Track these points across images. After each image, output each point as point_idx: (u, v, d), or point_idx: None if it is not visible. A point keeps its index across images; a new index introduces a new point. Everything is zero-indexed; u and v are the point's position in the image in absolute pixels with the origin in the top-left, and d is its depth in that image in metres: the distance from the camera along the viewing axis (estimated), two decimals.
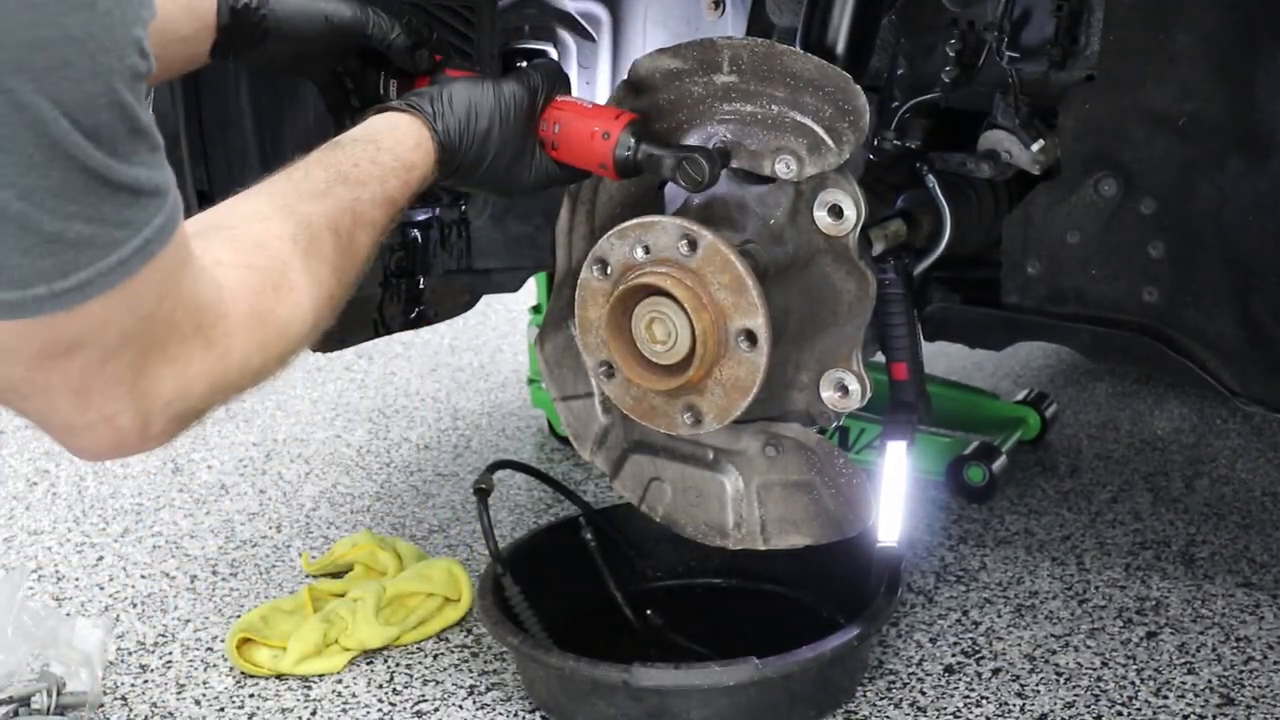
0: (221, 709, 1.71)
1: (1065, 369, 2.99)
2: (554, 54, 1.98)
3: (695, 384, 1.34)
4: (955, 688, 1.70)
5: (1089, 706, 1.65)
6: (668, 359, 1.34)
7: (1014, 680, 1.71)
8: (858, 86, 1.28)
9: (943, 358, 2.85)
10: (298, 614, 1.87)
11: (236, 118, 1.69)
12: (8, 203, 0.75)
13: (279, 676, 1.78)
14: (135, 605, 1.99)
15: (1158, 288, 1.51)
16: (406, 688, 1.75)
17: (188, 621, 1.94)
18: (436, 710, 1.69)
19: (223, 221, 1.04)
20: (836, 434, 2.32)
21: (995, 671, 1.74)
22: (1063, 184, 1.54)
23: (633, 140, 1.31)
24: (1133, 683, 1.70)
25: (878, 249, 1.48)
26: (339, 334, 1.86)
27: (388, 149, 1.20)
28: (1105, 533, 2.14)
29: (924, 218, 1.58)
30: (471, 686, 1.75)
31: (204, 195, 1.67)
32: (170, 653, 1.85)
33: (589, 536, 1.88)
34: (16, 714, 1.63)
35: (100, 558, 2.16)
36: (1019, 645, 1.80)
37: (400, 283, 1.90)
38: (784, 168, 1.32)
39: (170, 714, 1.70)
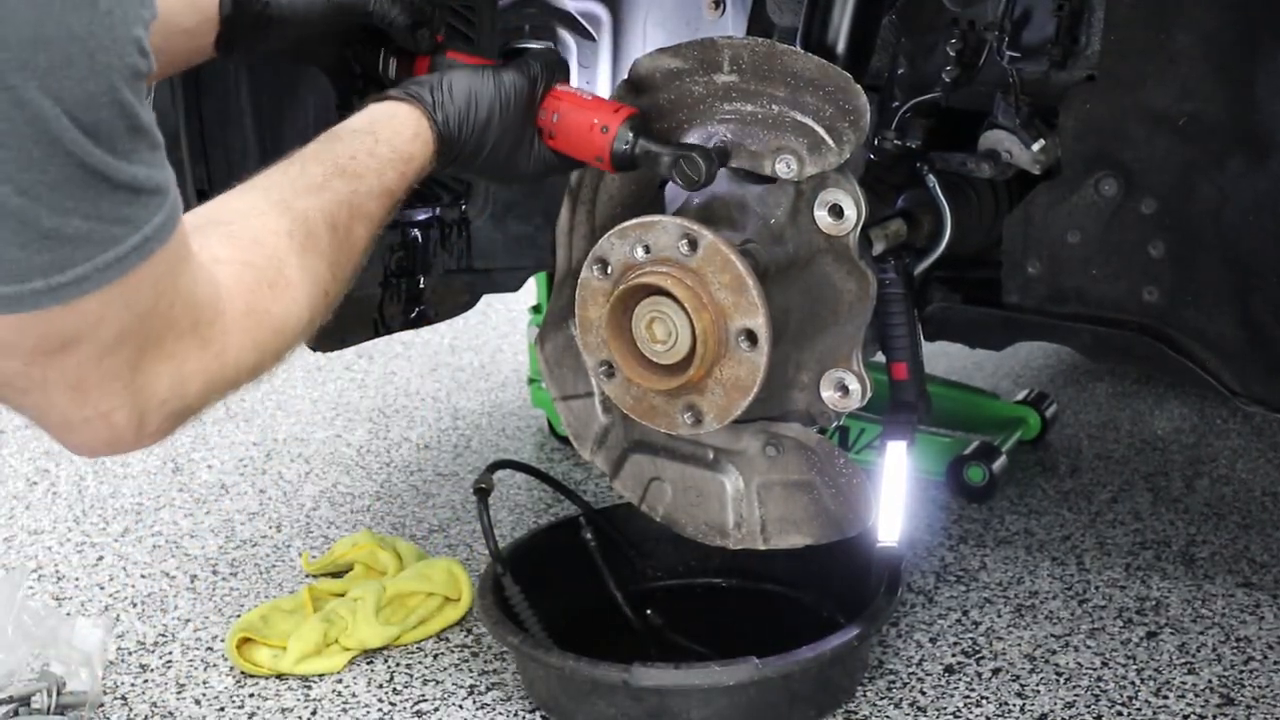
0: (221, 709, 1.71)
1: (1065, 369, 2.99)
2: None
3: (695, 384, 1.34)
4: (955, 688, 1.70)
5: (1089, 706, 1.65)
6: (668, 359, 1.34)
7: (1014, 680, 1.71)
8: (858, 86, 1.28)
9: (943, 358, 2.85)
10: (298, 614, 1.87)
11: (236, 117, 1.69)
12: (6, 198, 0.75)
13: (279, 676, 1.78)
14: (135, 605, 1.99)
15: (1158, 287, 1.51)
16: (406, 687, 1.75)
17: (188, 621, 1.94)
18: (436, 710, 1.69)
19: (220, 216, 1.04)
20: (836, 434, 2.32)
21: (995, 671, 1.74)
22: (1063, 184, 1.54)
23: (631, 135, 1.31)
24: (1133, 683, 1.70)
25: (878, 249, 1.48)
26: (339, 334, 1.87)
27: (386, 140, 1.20)
28: (1105, 533, 2.14)
29: (924, 217, 1.58)
30: (471, 686, 1.75)
31: (203, 194, 1.67)
32: (170, 652, 1.85)
33: (589, 536, 1.88)
34: (16, 713, 1.63)
35: (100, 557, 2.16)
36: (1019, 645, 1.80)
37: (400, 282, 1.90)
38: (784, 167, 1.32)
39: (170, 714, 1.70)
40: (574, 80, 1.72)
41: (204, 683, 1.77)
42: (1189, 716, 1.63)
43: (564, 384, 1.58)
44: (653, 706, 1.56)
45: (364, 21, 1.40)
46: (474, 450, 2.62)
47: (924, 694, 1.69)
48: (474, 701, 1.71)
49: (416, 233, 1.90)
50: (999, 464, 2.27)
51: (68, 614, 1.93)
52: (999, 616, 1.88)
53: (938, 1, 1.60)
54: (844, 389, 1.39)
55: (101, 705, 1.72)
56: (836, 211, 1.33)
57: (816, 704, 1.63)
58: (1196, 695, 1.67)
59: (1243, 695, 1.66)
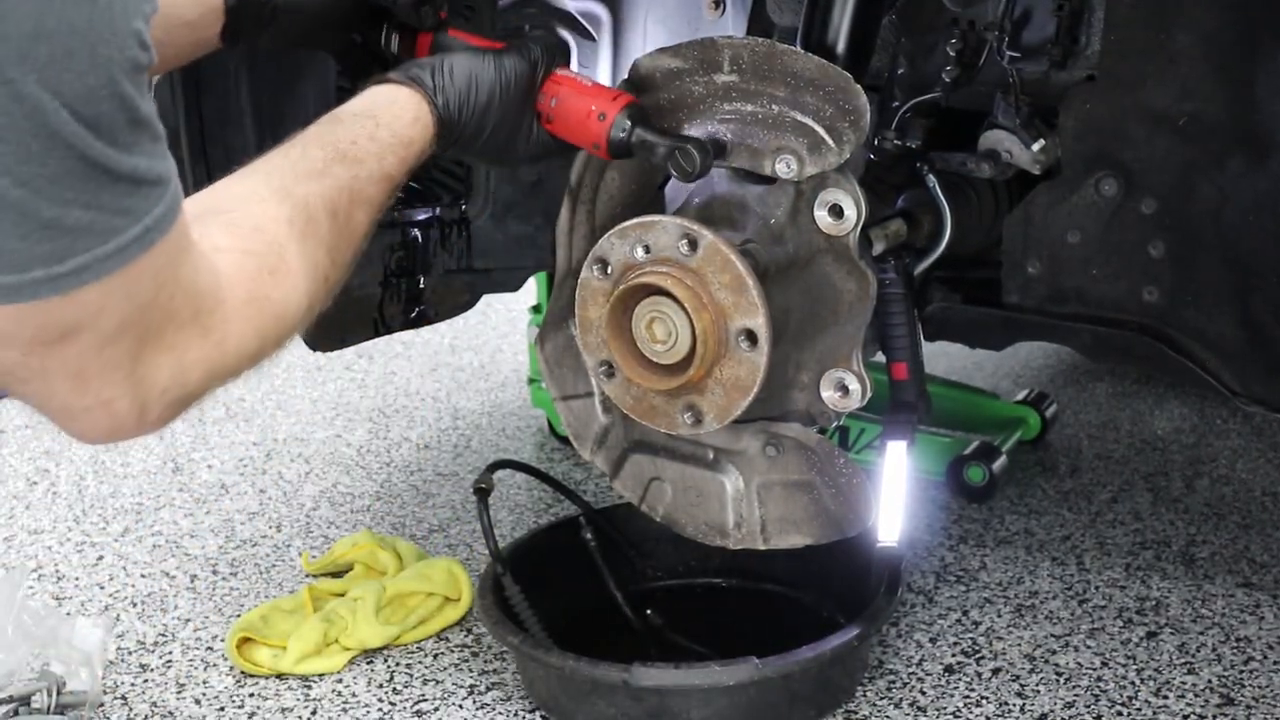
0: (221, 708, 1.71)
1: (1065, 369, 2.99)
2: None
3: (695, 384, 1.34)
4: (955, 688, 1.70)
5: (1089, 706, 1.65)
6: (668, 359, 1.34)
7: (1014, 680, 1.71)
8: (858, 86, 1.28)
9: (943, 358, 2.85)
10: (298, 613, 1.87)
11: (236, 116, 1.69)
12: (6, 190, 0.76)
13: (279, 676, 1.78)
14: (135, 605, 1.99)
15: (1158, 287, 1.51)
16: (406, 687, 1.75)
17: (188, 621, 1.94)
18: (436, 710, 1.69)
19: (220, 204, 1.04)
20: (836, 434, 2.32)
21: (995, 671, 1.74)
22: (1063, 184, 1.53)
23: (628, 123, 1.31)
24: (1133, 683, 1.70)
25: (878, 249, 1.48)
26: (339, 333, 1.87)
27: (386, 125, 1.19)
28: (1105, 533, 2.14)
29: (924, 217, 1.58)
30: (471, 686, 1.75)
31: None
32: (170, 652, 1.85)
33: (589, 536, 1.88)
34: (16, 713, 1.63)
35: (100, 557, 2.16)
36: (1019, 645, 1.80)
37: (400, 282, 1.90)
38: (784, 167, 1.32)
39: (170, 713, 1.70)
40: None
41: (204, 682, 1.77)
42: (1189, 716, 1.63)
43: (564, 384, 1.58)
44: (653, 706, 1.56)
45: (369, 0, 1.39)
46: (474, 450, 2.62)
47: (924, 694, 1.69)
48: (474, 701, 1.71)
49: (416, 233, 1.90)
50: (999, 464, 2.27)
51: (68, 614, 1.93)
52: (999, 616, 1.88)
53: (938, 1, 1.60)
54: (844, 389, 1.39)
55: (101, 705, 1.72)
56: (836, 211, 1.33)
57: (816, 704, 1.63)
58: (1196, 695, 1.67)
59: (1243, 695, 1.66)
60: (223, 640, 1.85)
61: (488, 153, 1.33)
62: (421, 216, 1.91)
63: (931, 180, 1.57)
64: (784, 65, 1.31)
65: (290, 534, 2.23)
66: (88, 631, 1.73)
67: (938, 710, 1.65)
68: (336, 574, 2.06)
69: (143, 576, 2.09)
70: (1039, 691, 1.68)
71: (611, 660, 1.56)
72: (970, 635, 1.83)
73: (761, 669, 1.53)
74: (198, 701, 1.73)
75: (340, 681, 1.77)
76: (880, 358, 1.54)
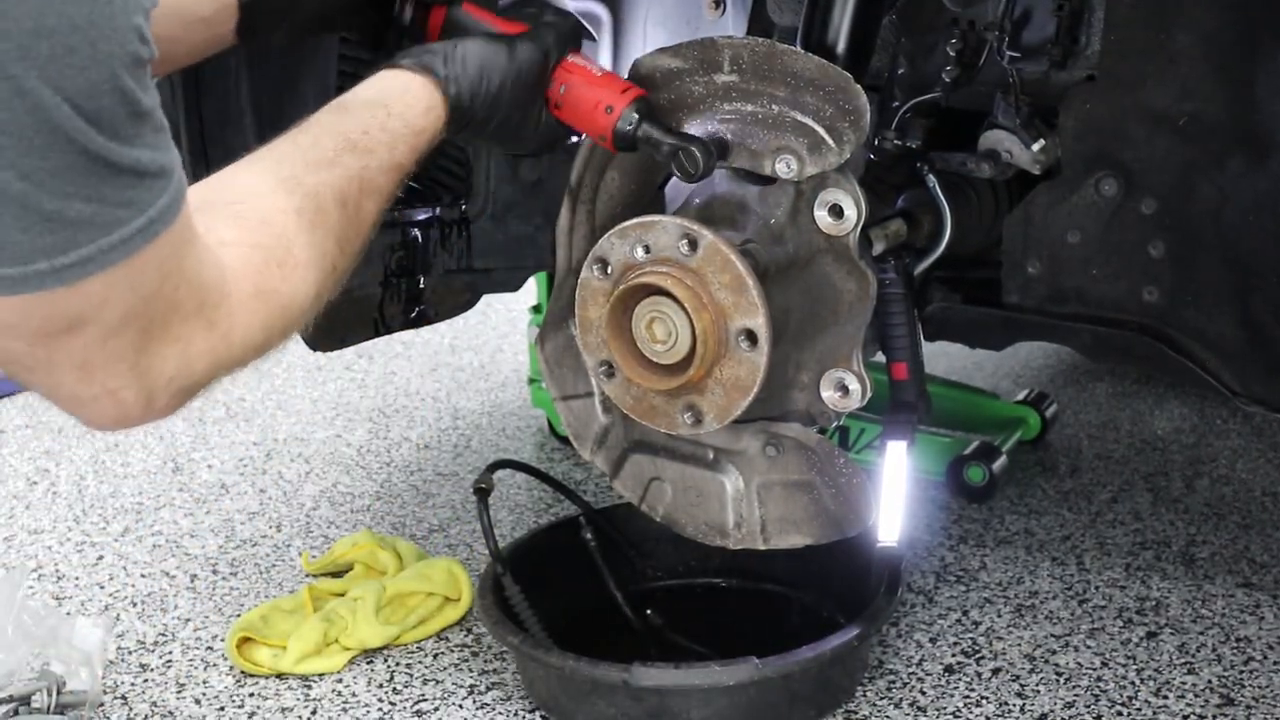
0: (221, 708, 1.71)
1: (1065, 369, 2.99)
2: None
3: (695, 384, 1.34)
4: (955, 688, 1.70)
5: (1089, 706, 1.65)
6: (668, 359, 1.34)
7: (1014, 680, 1.71)
8: (858, 86, 1.28)
9: (943, 358, 2.85)
10: (298, 613, 1.87)
11: (236, 116, 1.69)
12: (8, 183, 0.76)
13: (279, 676, 1.78)
14: (135, 604, 1.99)
15: (1158, 287, 1.51)
16: (406, 687, 1.75)
17: (188, 621, 1.94)
18: (436, 710, 1.69)
19: (228, 194, 1.04)
20: (836, 434, 2.32)
21: (995, 671, 1.74)
22: (1063, 184, 1.53)
23: (635, 117, 1.31)
24: (1133, 683, 1.70)
25: (878, 249, 1.48)
26: (339, 333, 1.87)
27: (398, 114, 1.19)
28: (1105, 533, 2.14)
29: (924, 217, 1.58)
30: (471, 686, 1.75)
31: None
32: (170, 652, 1.85)
33: (589, 536, 1.88)
34: (16, 713, 1.63)
35: (100, 557, 2.16)
36: (1019, 645, 1.80)
37: (400, 282, 1.90)
38: (784, 167, 1.32)
39: (170, 713, 1.70)
40: None
41: (204, 682, 1.77)
42: (1189, 716, 1.63)
43: (564, 384, 1.58)
44: (653, 706, 1.56)
45: None
46: (474, 450, 2.62)
47: (924, 694, 1.69)
48: (474, 701, 1.71)
49: (416, 233, 1.90)
50: (999, 464, 2.27)
51: (68, 613, 1.93)
52: (999, 616, 1.88)
53: (938, 1, 1.60)
54: (844, 389, 1.39)
55: (101, 705, 1.72)
56: (836, 211, 1.33)
57: (816, 704, 1.63)
58: (1196, 695, 1.67)
59: (1243, 695, 1.66)
60: (223, 640, 1.85)
61: (496, 138, 1.32)
62: (421, 216, 1.91)
63: (931, 180, 1.57)
64: (784, 65, 1.31)
65: (290, 534, 2.23)
66: (88, 631, 1.73)
67: (938, 710, 1.65)
68: (336, 574, 2.06)
69: (143, 576, 2.09)
70: (1039, 691, 1.68)
71: (611, 660, 1.56)
72: (970, 635, 1.83)
73: (761, 669, 1.53)
74: (198, 701, 1.73)
75: (340, 681, 1.77)
76: (880, 358, 1.54)
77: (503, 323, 3.56)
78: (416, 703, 1.71)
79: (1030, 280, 1.58)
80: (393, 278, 1.88)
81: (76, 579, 2.09)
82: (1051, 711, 1.64)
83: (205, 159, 1.69)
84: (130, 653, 1.85)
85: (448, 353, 3.32)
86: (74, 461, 2.59)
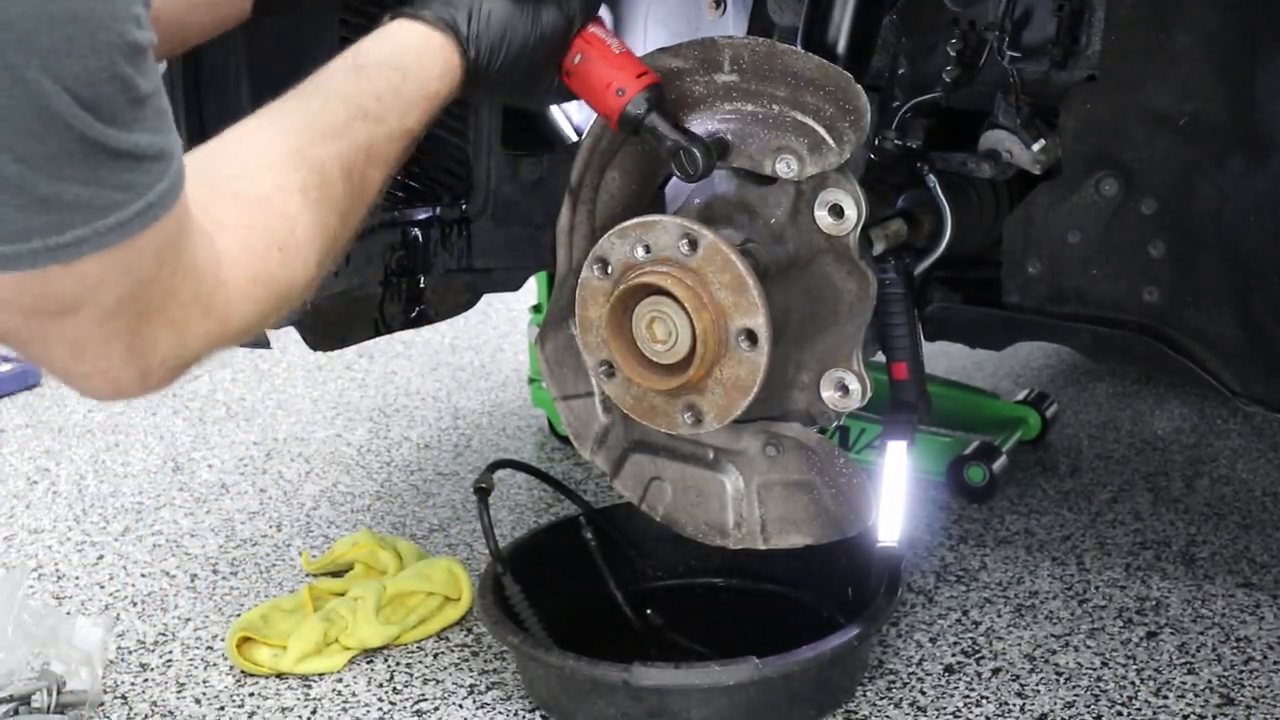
0: (222, 708, 1.71)
1: (1065, 369, 2.99)
2: None
3: (695, 383, 1.34)
4: (955, 687, 1.70)
5: (1089, 706, 1.65)
6: (668, 358, 1.34)
7: (1014, 680, 1.71)
8: (859, 86, 1.28)
9: (943, 358, 2.85)
10: (298, 613, 1.87)
11: (237, 114, 1.68)
12: (4, 165, 0.77)
13: (279, 675, 1.78)
14: (135, 604, 1.99)
15: (1158, 287, 1.51)
16: (406, 687, 1.75)
17: (188, 620, 1.94)
18: (436, 709, 1.70)
19: (228, 166, 1.03)
20: (837, 434, 2.32)
21: (995, 671, 1.74)
22: (1064, 184, 1.54)
23: (645, 105, 1.31)
24: (1133, 683, 1.70)
25: (878, 249, 1.48)
26: (340, 333, 1.87)
27: (414, 76, 1.17)
28: (1105, 533, 2.14)
29: (925, 217, 1.58)
30: (471, 686, 1.75)
31: None
32: (170, 651, 1.85)
33: (589, 536, 1.88)
34: (16, 712, 1.63)
35: (100, 556, 2.16)
36: (1019, 645, 1.80)
37: (401, 281, 1.90)
38: (785, 167, 1.32)
39: (170, 713, 1.70)
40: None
41: (204, 682, 1.77)
42: (1189, 716, 1.63)
43: (564, 383, 1.57)
44: (653, 706, 1.56)
45: None
46: (474, 450, 2.62)
47: (924, 694, 1.69)
48: (474, 701, 1.71)
49: (417, 232, 1.90)
50: (999, 464, 2.27)
51: (68, 613, 1.93)
52: (999, 616, 1.88)
53: (938, 1, 1.60)
54: (844, 389, 1.39)
55: (101, 704, 1.72)
56: (837, 211, 1.33)
57: (816, 704, 1.63)
58: (1196, 695, 1.67)
59: (1243, 695, 1.66)
60: (223, 640, 1.85)
61: (504, 95, 1.32)
62: (422, 216, 1.91)
63: (932, 180, 1.57)
64: (784, 65, 1.31)
65: (290, 533, 2.23)
66: (88, 631, 1.73)
67: (938, 710, 1.65)
68: (337, 573, 2.06)
69: (143, 576, 2.09)
70: (1039, 691, 1.68)
71: (611, 660, 1.56)
72: (970, 635, 1.83)
73: (761, 669, 1.53)
74: (198, 701, 1.73)
75: (340, 681, 1.77)
76: (880, 358, 1.54)
77: (503, 322, 3.56)
78: (416, 702, 1.71)
79: (1030, 280, 1.58)
80: (393, 277, 1.88)
81: (76, 578, 2.09)
82: (1051, 711, 1.64)
83: None
84: (130, 652, 1.85)
85: (448, 352, 3.32)
86: (74, 461, 2.59)
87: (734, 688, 1.54)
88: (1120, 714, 1.63)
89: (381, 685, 1.75)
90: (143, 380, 0.94)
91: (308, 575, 2.07)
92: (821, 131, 1.29)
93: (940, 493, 2.29)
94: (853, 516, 1.43)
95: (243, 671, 1.79)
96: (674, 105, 1.37)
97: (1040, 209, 1.55)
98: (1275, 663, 1.74)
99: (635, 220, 1.34)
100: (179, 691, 1.75)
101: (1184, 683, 1.70)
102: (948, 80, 1.58)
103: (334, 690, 1.75)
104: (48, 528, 2.29)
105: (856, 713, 1.65)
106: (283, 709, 1.70)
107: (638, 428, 1.50)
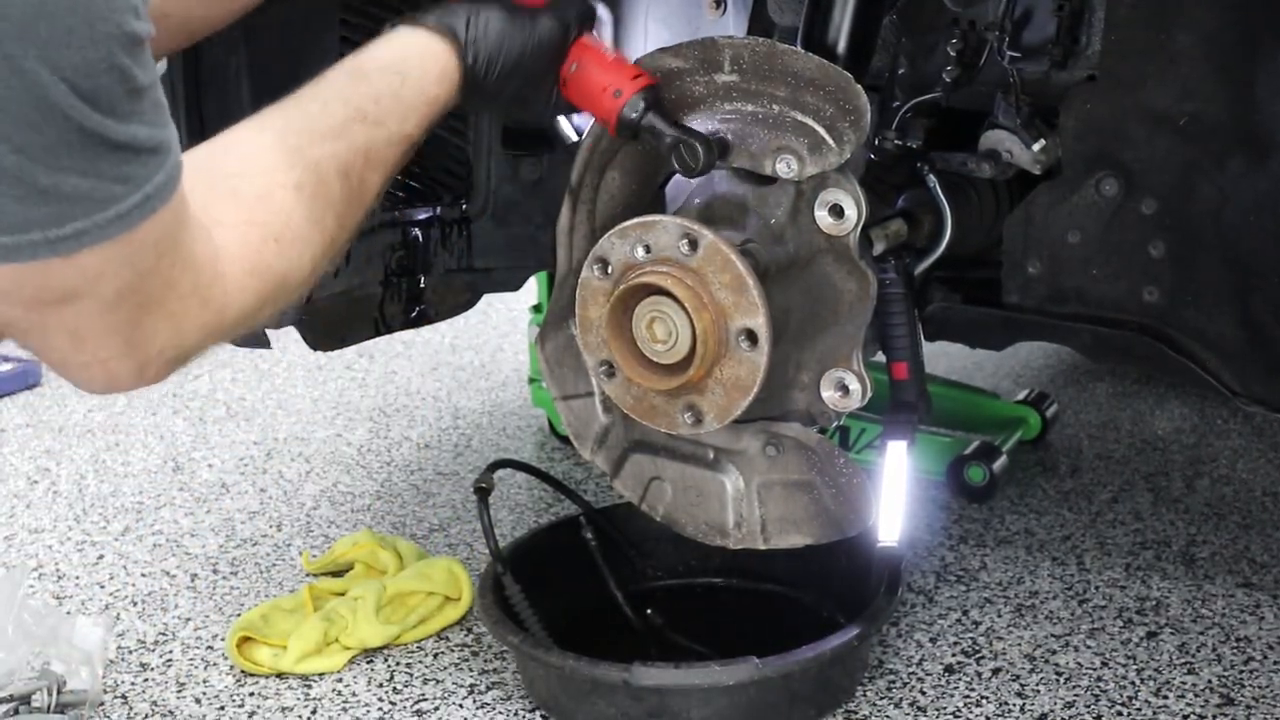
0: (222, 707, 1.71)
1: (1065, 369, 2.99)
2: None
3: (696, 383, 1.34)
4: (955, 687, 1.70)
5: (1089, 706, 1.65)
6: (668, 358, 1.34)
7: (1014, 680, 1.71)
8: (859, 86, 1.28)
9: (943, 358, 2.85)
10: (298, 613, 1.87)
11: (237, 114, 1.68)
12: (2, 156, 0.77)
13: (279, 675, 1.78)
14: (136, 604, 1.99)
15: (1158, 287, 1.51)
16: (407, 686, 1.75)
17: (188, 620, 1.94)
18: (436, 709, 1.70)
19: (226, 164, 1.04)
20: (837, 434, 2.32)
21: (995, 671, 1.74)
22: (1064, 184, 1.54)
23: (642, 105, 1.31)
24: (1133, 683, 1.70)
25: (878, 249, 1.48)
26: (340, 333, 1.87)
27: (413, 82, 1.18)
28: (1105, 533, 2.14)
29: (925, 217, 1.58)
30: (472, 685, 1.75)
31: None
32: (171, 651, 1.85)
33: (589, 536, 1.88)
34: (17, 712, 1.63)
35: (101, 556, 2.16)
36: (1019, 645, 1.80)
37: (401, 281, 1.90)
38: (785, 167, 1.32)
39: (170, 712, 1.70)
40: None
41: (204, 681, 1.77)
42: (1189, 716, 1.63)
43: (564, 383, 1.57)
44: (653, 706, 1.56)
45: None
46: (474, 449, 2.62)
47: (924, 694, 1.69)
48: (474, 701, 1.71)
49: (417, 232, 1.90)
50: (999, 464, 2.27)
51: (68, 613, 1.93)
52: (999, 616, 1.88)
53: (938, 1, 1.60)
54: (844, 389, 1.39)
55: (102, 704, 1.72)
56: (837, 211, 1.33)
57: (816, 704, 1.63)
58: (1196, 695, 1.67)
59: (1243, 695, 1.66)
60: (223, 639, 1.85)
61: (503, 107, 1.32)
62: (422, 216, 1.91)
63: (932, 180, 1.58)
64: (784, 65, 1.31)
65: (290, 533, 2.23)
66: (88, 630, 1.73)
67: (938, 710, 1.65)
68: (337, 573, 2.06)
69: (143, 575, 2.09)
70: (1039, 691, 1.68)
71: (611, 660, 1.56)
72: (970, 635, 1.83)
73: (761, 669, 1.53)
74: (198, 701, 1.73)
75: (340, 681, 1.77)
76: (880, 358, 1.54)
77: (503, 322, 3.56)
78: (416, 702, 1.71)
79: (1030, 280, 1.58)
80: (393, 277, 1.88)
81: (77, 578, 2.09)
82: (1051, 711, 1.64)
83: None
84: (130, 652, 1.85)
85: (448, 352, 3.32)
86: (74, 461, 2.59)
87: (734, 688, 1.54)
88: (1120, 714, 1.63)
89: (381, 685, 1.76)
90: (140, 372, 0.95)
91: (308, 575, 2.07)
92: (821, 131, 1.29)
93: (940, 493, 2.29)
94: (853, 516, 1.43)
95: (243, 671, 1.79)
96: (674, 105, 1.37)
97: (1040, 209, 1.55)
98: (1275, 663, 1.74)
99: (635, 220, 1.34)
100: (179, 691, 1.75)
101: (1184, 683, 1.70)
102: (948, 80, 1.58)
103: (334, 690, 1.75)
104: (48, 527, 2.29)
105: (856, 713, 1.65)
106: (283, 709, 1.70)
107: (638, 428, 1.50)
